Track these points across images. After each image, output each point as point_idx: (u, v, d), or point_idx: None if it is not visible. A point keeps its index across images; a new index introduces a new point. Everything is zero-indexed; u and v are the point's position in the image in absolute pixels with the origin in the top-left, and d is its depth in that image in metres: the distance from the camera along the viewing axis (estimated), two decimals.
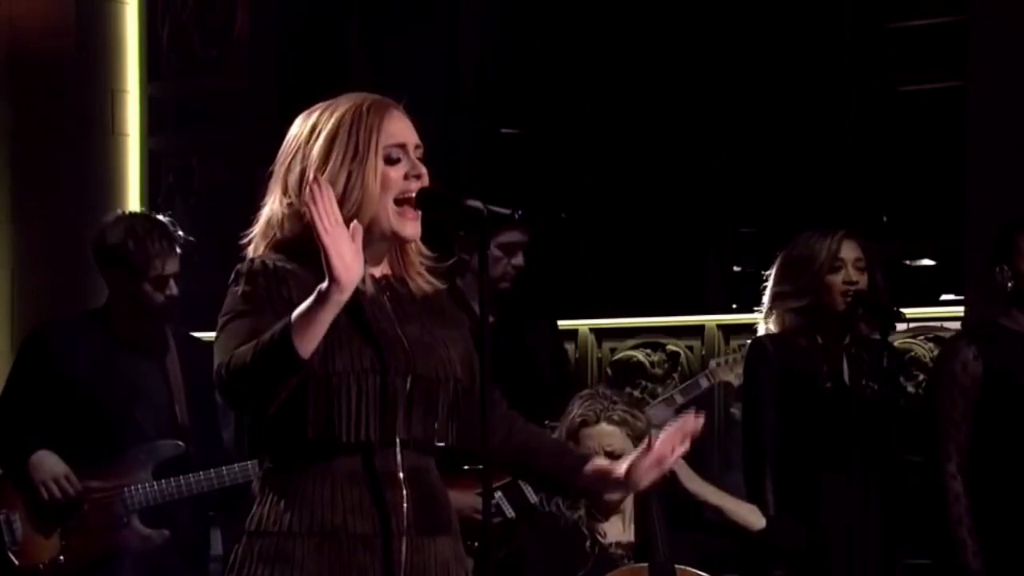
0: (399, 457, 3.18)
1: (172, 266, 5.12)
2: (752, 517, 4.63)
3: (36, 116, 7.74)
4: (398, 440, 3.17)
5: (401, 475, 3.17)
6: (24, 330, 7.14)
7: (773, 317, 4.99)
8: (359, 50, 7.88)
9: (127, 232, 5.11)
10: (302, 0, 7.92)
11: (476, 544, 5.09)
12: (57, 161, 7.71)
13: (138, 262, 5.07)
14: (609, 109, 7.68)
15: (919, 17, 7.15)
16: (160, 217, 5.29)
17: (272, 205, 3.27)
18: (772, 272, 5.03)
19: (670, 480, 4.51)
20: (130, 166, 7.93)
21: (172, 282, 5.11)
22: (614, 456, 4.51)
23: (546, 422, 5.26)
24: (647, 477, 3.35)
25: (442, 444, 3.27)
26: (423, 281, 3.30)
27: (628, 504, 4.58)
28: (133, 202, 7.69)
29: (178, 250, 5.16)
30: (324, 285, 2.99)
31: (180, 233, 5.19)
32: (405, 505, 3.17)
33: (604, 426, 4.52)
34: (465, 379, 3.27)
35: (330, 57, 7.84)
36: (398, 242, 3.27)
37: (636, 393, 7.17)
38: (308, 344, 3.01)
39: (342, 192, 3.17)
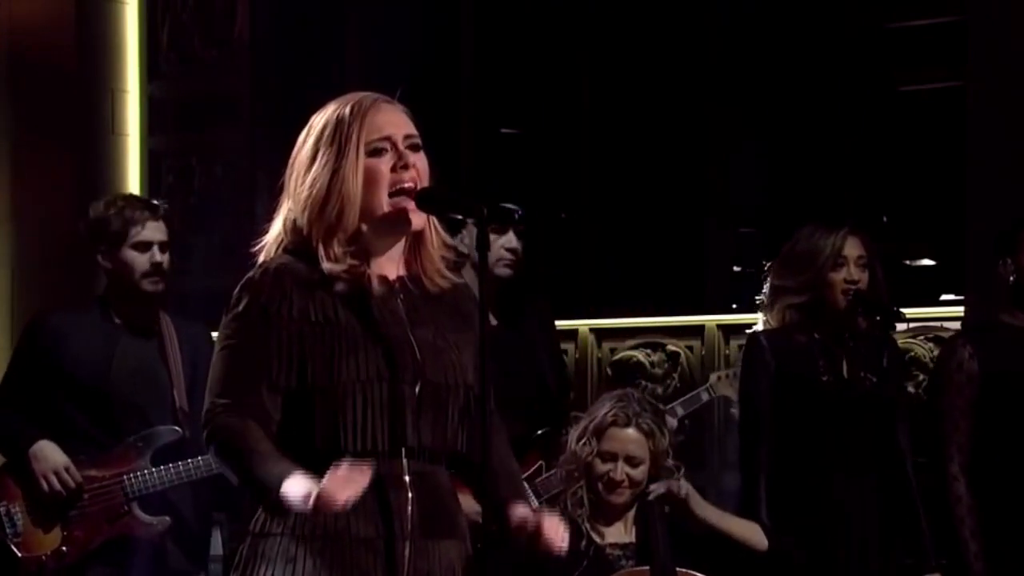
0: (406, 463, 3.17)
1: (153, 232, 5.19)
2: (757, 538, 4.66)
3: (36, 116, 7.73)
4: (405, 447, 3.17)
5: (407, 479, 3.17)
6: None
7: (773, 311, 4.99)
8: (357, 50, 7.87)
9: (107, 205, 5.24)
10: (302, 0, 7.91)
11: (478, 546, 5.09)
12: (57, 161, 7.71)
13: (117, 228, 5.17)
14: (609, 109, 7.67)
15: (919, 17, 7.15)
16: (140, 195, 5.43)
17: (282, 211, 3.28)
18: (774, 265, 5.02)
19: (681, 506, 4.53)
20: (130, 166, 7.92)
21: (156, 249, 5.17)
22: (633, 463, 4.54)
23: (540, 432, 5.29)
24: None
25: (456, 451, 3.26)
26: (439, 277, 3.28)
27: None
28: None
29: (161, 221, 5.23)
30: (294, 498, 2.99)
31: (156, 203, 5.30)
32: (410, 508, 3.17)
33: (631, 432, 4.56)
34: (477, 384, 3.24)
35: (329, 57, 7.84)
36: (401, 232, 3.24)
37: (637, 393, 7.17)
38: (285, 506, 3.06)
39: (326, 191, 3.18)
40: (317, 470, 3.13)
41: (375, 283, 3.22)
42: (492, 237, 5.28)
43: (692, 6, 7.53)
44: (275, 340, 3.14)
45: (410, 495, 3.17)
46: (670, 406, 5.69)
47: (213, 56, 7.92)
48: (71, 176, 7.73)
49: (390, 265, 3.26)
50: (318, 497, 2.94)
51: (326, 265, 3.17)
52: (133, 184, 7.91)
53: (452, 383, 3.22)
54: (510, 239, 5.39)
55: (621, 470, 4.53)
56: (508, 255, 5.38)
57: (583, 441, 4.57)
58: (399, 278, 3.27)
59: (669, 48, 7.63)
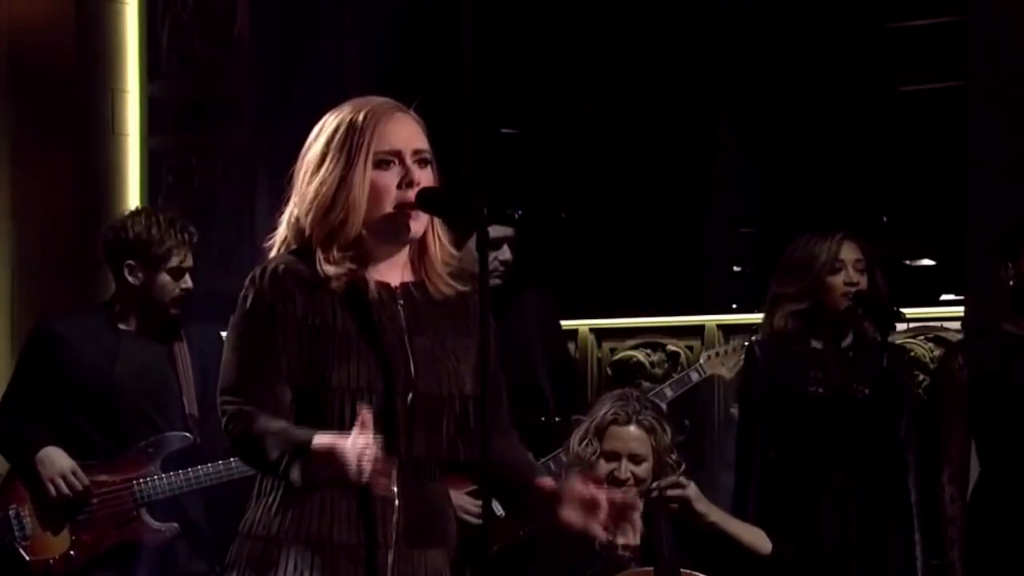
0: (395, 474, 3.13)
1: (189, 260, 5.22)
2: (760, 542, 4.65)
3: (36, 116, 7.73)
4: (396, 460, 3.14)
5: (395, 488, 3.15)
6: (24, 330, 7.14)
7: (774, 319, 4.99)
8: (357, 50, 7.87)
9: (149, 223, 5.20)
10: (302, 0, 7.91)
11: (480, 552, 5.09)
12: (57, 161, 7.70)
13: (159, 252, 5.16)
14: (609, 109, 7.67)
15: (919, 17, 7.15)
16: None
17: (289, 208, 3.28)
18: (774, 273, 5.03)
19: (686, 505, 4.52)
20: (130, 166, 7.92)
21: (188, 276, 5.19)
22: (637, 461, 4.53)
23: (543, 419, 5.28)
24: (573, 511, 3.21)
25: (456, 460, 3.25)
26: (442, 284, 3.27)
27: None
28: (133, 202, 7.68)
29: (194, 245, 5.25)
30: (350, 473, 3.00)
31: (193, 230, 5.26)
32: (395, 516, 3.16)
33: (632, 429, 4.55)
34: (476, 392, 3.23)
35: (330, 57, 7.84)
36: (401, 243, 3.25)
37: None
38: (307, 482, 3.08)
39: (331, 197, 3.17)
40: None
41: (373, 288, 3.21)
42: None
43: (692, 6, 7.53)
44: (282, 337, 3.15)
45: (397, 503, 3.17)
46: (659, 388, 5.68)
47: (213, 56, 7.92)
48: (71, 176, 7.73)
49: (392, 271, 3.26)
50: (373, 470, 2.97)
51: (324, 268, 3.17)
52: (133, 184, 7.90)
53: (446, 394, 3.21)
54: (504, 251, 5.40)
55: (625, 468, 4.53)
56: (500, 267, 5.39)
57: (585, 442, 4.57)
58: (402, 284, 3.26)
59: (669, 48, 7.63)
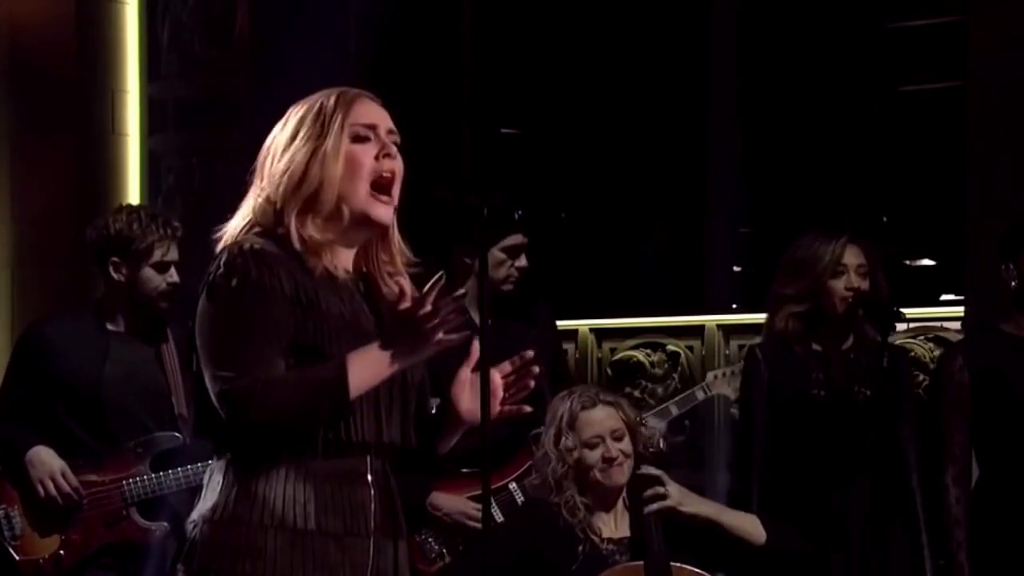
0: (370, 458, 3.15)
1: (173, 253, 5.20)
2: (754, 530, 4.62)
3: (36, 116, 7.74)
4: (375, 443, 3.15)
5: (370, 477, 3.15)
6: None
7: (775, 320, 4.97)
8: (358, 50, 7.87)
9: (130, 219, 5.19)
10: (302, 0, 7.92)
11: (461, 547, 5.08)
12: (57, 161, 7.71)
13: (141, 247, 5.15)
14: (609, 108, 7.68)
15: (919, 17, 7.15)
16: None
17: (251, 194, 3.26)
18: (777, 272, 5.02)
19: (673, 512, 4.50)
20: (130, 166, 7.93)
21: (173, 269, 5.17)
22: (617, 436, 4.53)
23: (532, 432, 5.27)
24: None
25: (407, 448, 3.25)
26: (392, 283, 3.23)
27: (621, 500, 4.59)
28: (133, 202, 7.69)
29: (177, 239, 5.22)
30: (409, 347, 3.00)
31: (176, 223, 5.26)
32: (372, 506, 3.15)
33: (602, 409, 4.55)
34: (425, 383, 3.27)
35: (329, 57, 7.84)
36: (373, 228, 3.21)
37: (636, 393, 7.17)
38: (361, 391, 3.04)
39: (304, 168, 3.15)
40: (283, 454, 3.10)
41: (341, 272, 3.20)
42: (503, 257, 5.30)
43: (692, 6, 7.53)
44: (275, 311, 3.08)
45: (372, 492, 3.15)
46: (664, 405, 5.68)
47: (213, 56, 7.92)
48: (71, 176, 7.73)
49: (349, 259, 3.24)
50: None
51: (299, 245, 3.13)
52: (133, 184, 7.91)
53: (413, 382, 3.22)
54: (522, 259, 5.38)
55: (613, 447, 4.51)
56: (516, 274, 5.37)
57: (562, 439, 4.54)
58: (359, 272, 3.25)
59: (669, 48, 7.64)
